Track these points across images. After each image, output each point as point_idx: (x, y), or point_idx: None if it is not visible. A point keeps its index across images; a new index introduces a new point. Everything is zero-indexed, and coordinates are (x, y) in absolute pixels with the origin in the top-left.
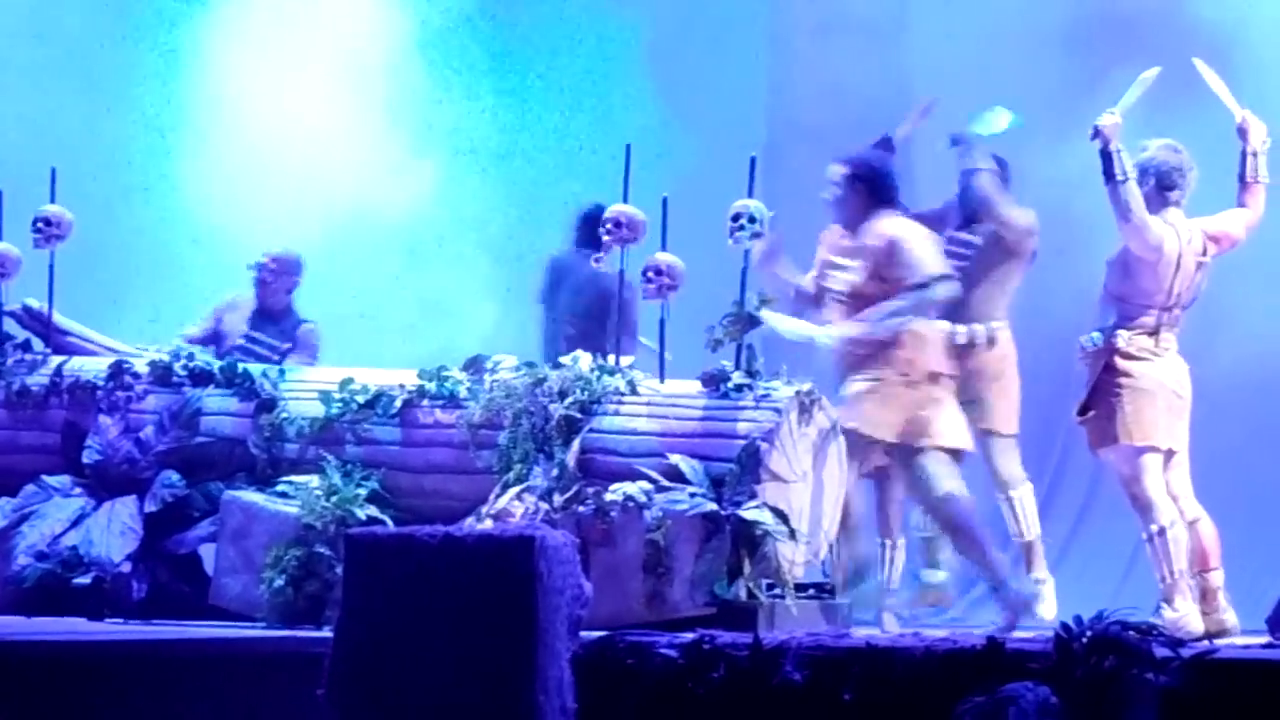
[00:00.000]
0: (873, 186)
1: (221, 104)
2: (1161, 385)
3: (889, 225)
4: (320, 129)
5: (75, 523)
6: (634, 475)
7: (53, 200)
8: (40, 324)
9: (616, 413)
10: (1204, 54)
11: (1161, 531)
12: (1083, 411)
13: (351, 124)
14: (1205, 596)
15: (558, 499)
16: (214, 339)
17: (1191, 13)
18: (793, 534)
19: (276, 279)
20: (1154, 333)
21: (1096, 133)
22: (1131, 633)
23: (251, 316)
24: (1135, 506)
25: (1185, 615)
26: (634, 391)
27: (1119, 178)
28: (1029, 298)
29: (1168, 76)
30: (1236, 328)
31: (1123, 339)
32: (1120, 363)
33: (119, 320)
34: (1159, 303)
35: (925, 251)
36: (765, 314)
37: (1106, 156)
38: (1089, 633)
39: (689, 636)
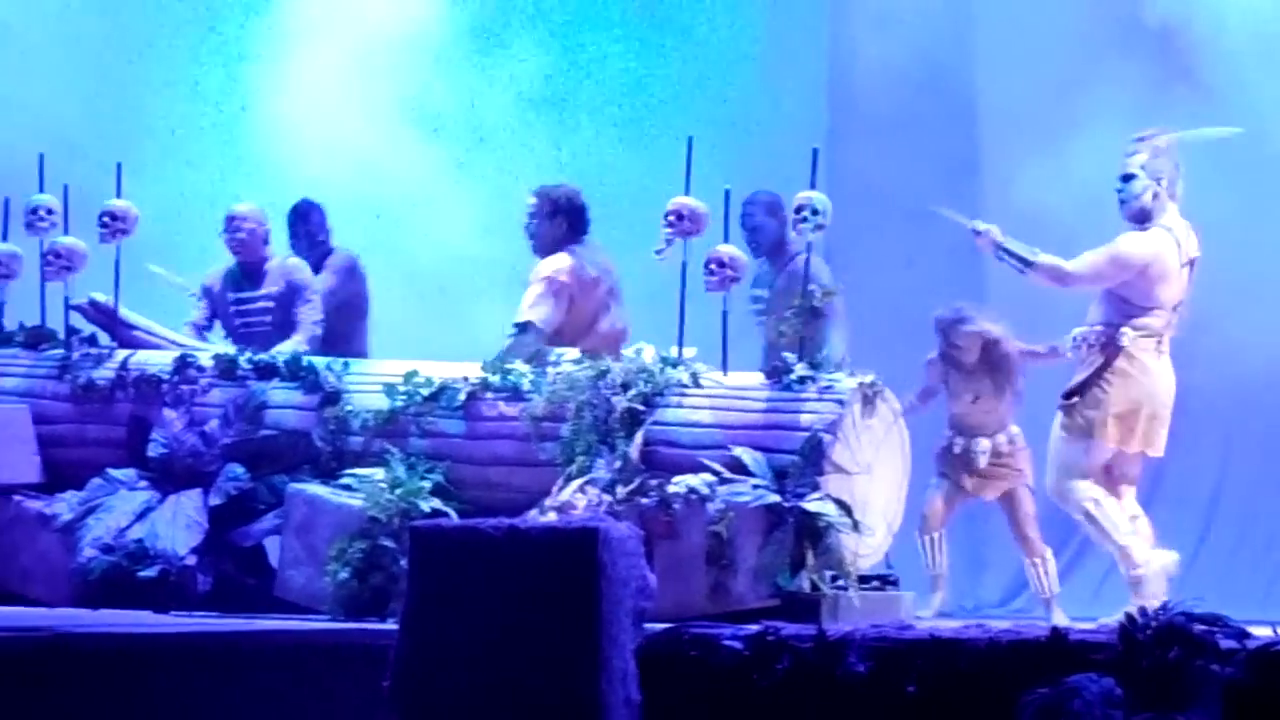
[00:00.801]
0: (570, 219)
1: (279, 92)
2: (1152, 396)
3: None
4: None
5: (141, 516)
6: (697, 467)
7: (118, 195)
8: (106, 318)
9: (679, 405)
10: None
11: (1098, 504)
12: (1069, 395)
13: (404, 115)
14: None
15: (621, 491)
16: (213, 317)
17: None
18: (856, 525)
19: (251, 234)
20: (1159, 335)
21: (980, 234)
22: (1196, 624)
23: (231, 279)
24: (1058, 492)
25: (1150, 560)
26: (696, 384)
27: (1032, 264)
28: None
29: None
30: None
31: (1128, 338)
32: (1122, 363)
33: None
34: (1167, 304)
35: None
36: None
37: (1004, 254)
38: (1154, 624)
39: (753, 628)
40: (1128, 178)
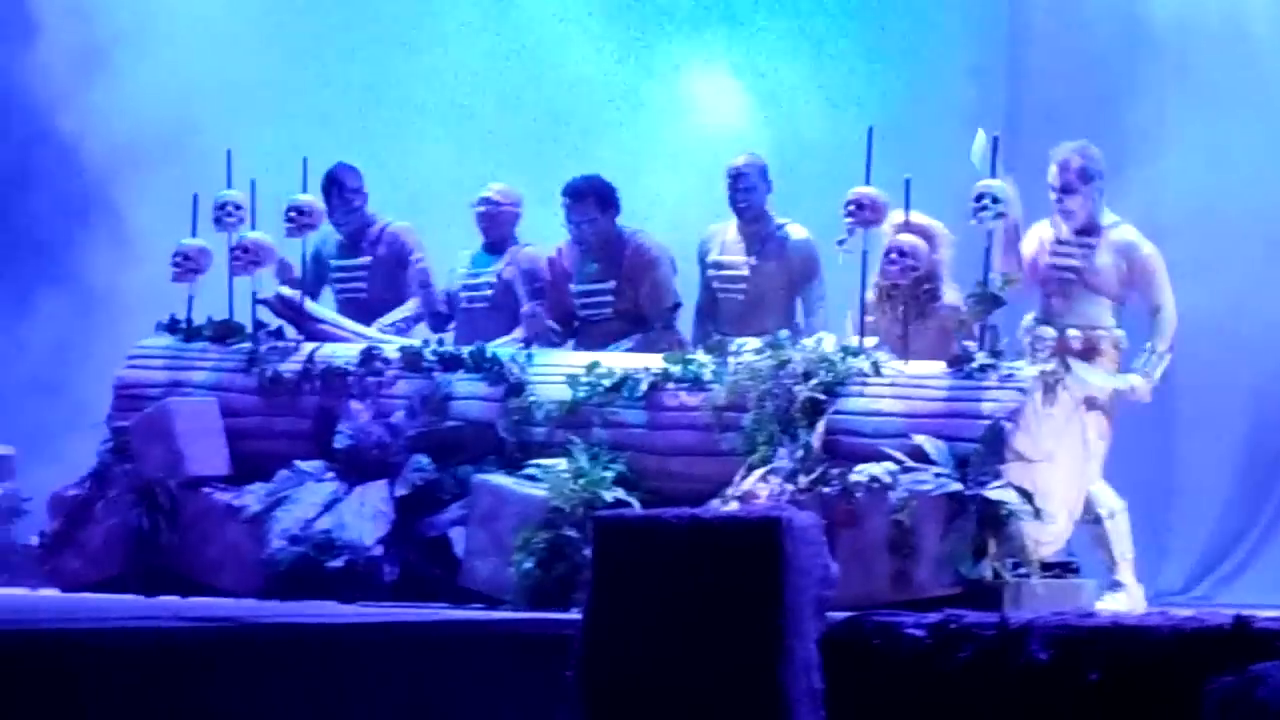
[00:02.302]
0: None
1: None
2: None
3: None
4: None
5: (328, 507)
6: (878, 456)
7: (304, 189)
8: (293, 312)
9: (861, 394)
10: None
11: (1112, 514)
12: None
13: None
14: None
15: (803, 480)
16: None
17: None
18: (1038, 513)
19: (500, 210)
20: None
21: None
22: None
23: (474, 256)
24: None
25: (1137, 598)
26: (878, 373)
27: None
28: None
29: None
30: None
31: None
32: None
33: None
34: None
35: None
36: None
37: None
38: None
39: (935, 616)
40: (1067, 190)
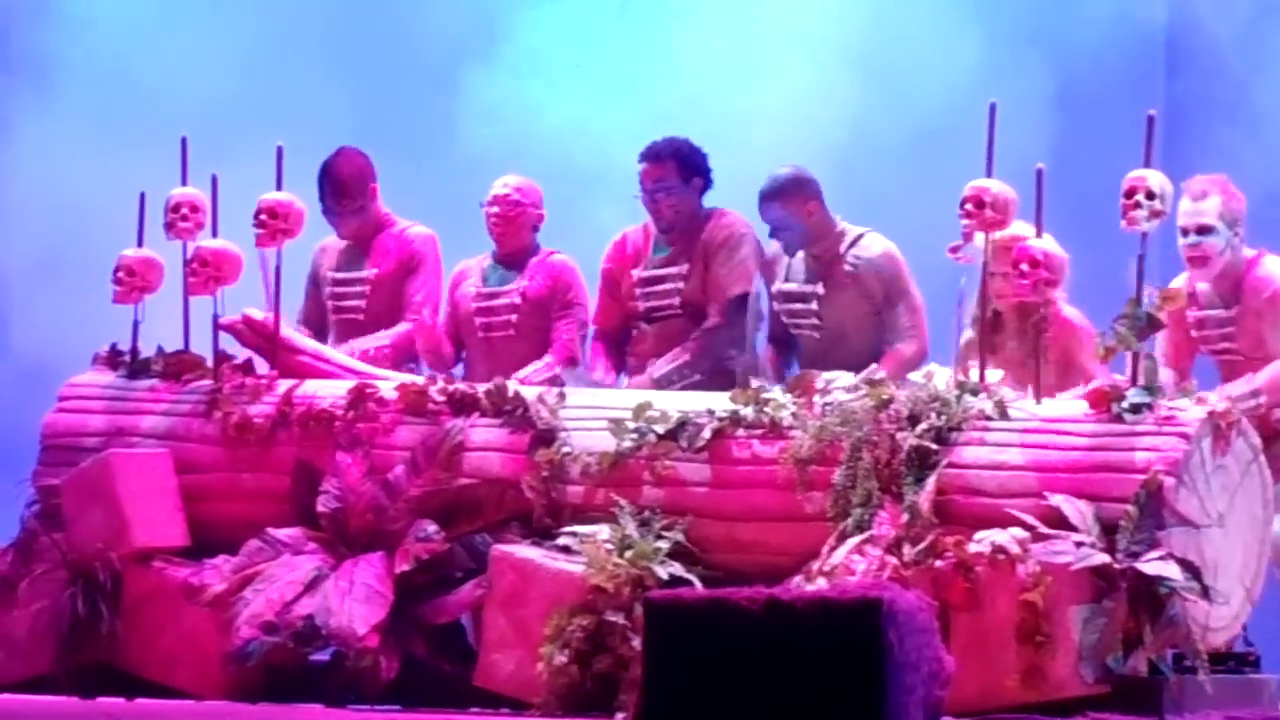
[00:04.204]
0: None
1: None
2: None
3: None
4: None
5: (310, 586)
6: (1004, 520)
7: (279, 185)
8: (264, 340)
9: (982, 442)
10: None
11: None
12: None
13: None
14: None
15: (909, 551)
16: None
17: None
18: (1206, 592)
19: (519, 211)
20: None
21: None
22: None
23: (486, 270)
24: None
25: None
26: (1004, 415)
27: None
28: None
29: None
30: None
31: None
32: None
33: None
34: None
35: None
36: None
37: None
38: None
39: None
40: (1205, 230)
